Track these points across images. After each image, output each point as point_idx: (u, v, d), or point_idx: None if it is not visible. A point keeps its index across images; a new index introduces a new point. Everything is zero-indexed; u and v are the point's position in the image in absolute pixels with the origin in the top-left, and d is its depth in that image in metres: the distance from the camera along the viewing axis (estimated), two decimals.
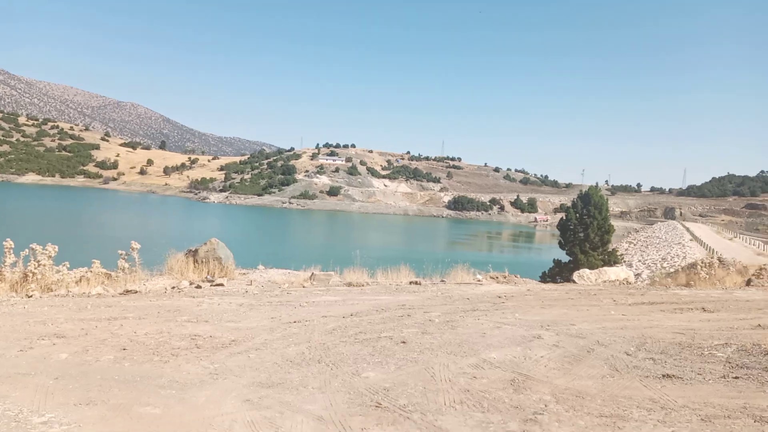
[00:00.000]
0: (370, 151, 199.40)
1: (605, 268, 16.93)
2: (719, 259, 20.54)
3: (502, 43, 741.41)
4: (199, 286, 10.89)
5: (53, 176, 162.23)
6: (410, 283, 12.85)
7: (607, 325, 8.04)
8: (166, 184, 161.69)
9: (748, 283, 16.02)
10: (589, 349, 6.55)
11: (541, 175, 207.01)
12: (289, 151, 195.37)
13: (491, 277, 14.22)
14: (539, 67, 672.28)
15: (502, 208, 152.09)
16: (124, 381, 5.01)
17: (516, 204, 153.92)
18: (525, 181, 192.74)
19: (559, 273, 24.17)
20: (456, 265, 14.43)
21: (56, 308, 8.24)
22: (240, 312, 8.37)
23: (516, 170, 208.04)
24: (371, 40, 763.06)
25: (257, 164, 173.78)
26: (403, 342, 6.62)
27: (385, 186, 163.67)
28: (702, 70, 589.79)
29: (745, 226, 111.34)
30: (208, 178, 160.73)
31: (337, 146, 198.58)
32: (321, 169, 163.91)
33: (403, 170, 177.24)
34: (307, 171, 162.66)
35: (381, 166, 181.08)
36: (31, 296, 9.29)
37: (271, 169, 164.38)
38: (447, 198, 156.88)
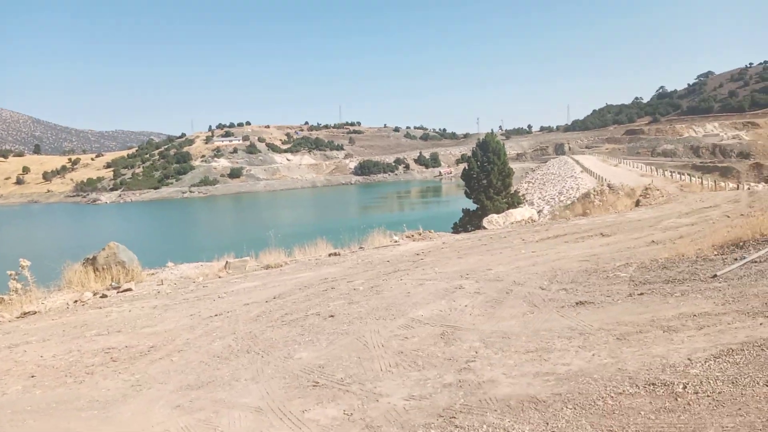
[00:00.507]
0: (267, 127, 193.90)
1: (511, 210, 17.79)
2: (609, 186, 22.26)
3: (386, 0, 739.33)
4: (104, 296, 10.16)
5: None
6: (330, 255, 12.78)
7: (521, 264, 8.46)
8: (48, 191, 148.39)
9: (637, 204, 17.52)
10: (508, 290, 6.87)
11: (440, 129, 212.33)
12: (180, 137, 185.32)
13: (407, 236, 14.47)
14: (426, 18, 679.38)
15: (407, 167, 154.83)
16: (39, 410, 4.60)
17: (420, 161, 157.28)
18: (425, 137, 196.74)
19: (469, 221, 25.13)
20: (372, 230, 14.52)
21: None
22: (155, 315, 7.92)
23: (415, 127, 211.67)
24: (253, 8, 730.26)
25: (148, 156, 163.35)
26: (332, 316, 6.58)
27: (288, 160, 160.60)
28: (575, 4, 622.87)
29: (627, 151, 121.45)
30: (95, 177, 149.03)
31: (232, 126, 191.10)
32: (218, 152, 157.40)
33: (304, 142, 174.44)
34: (203, 156, 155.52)
35: (281, 140, 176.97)
36: None
37: (164, 159, 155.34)
38: (353, 164, 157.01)
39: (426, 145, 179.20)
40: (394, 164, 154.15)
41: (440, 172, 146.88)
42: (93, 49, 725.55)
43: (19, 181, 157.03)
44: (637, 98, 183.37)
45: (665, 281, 6.31)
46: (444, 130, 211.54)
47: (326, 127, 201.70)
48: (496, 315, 5.89)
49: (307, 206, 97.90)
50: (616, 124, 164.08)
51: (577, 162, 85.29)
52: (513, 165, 33.33)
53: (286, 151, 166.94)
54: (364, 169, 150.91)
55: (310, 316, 6.73)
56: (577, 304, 5.87)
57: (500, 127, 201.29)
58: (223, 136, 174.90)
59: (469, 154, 30.87)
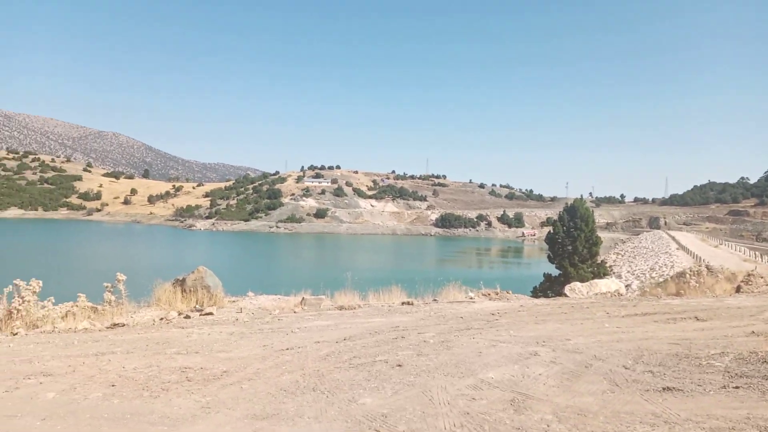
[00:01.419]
0: (356, 172, 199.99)
1: (596, 280, 16.97)
2: (707, 267, 20.70)
3: (484, 56, 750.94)
4: (188, 317, 10.68)
5: (36, 209, 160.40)
6: (402, 303, 12.74)
7: (603, 339, 7.99)
8: (150, 213, 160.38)
9: (738, 289, 16.12)
10: (587, 364, 6.49)
11: (526, 190, 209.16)
12: (274, 174, 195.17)
13: (483, 294, 14.16)
14: (520, 79, 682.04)
15: (489, 224, 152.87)
16: (114, 419, 4.84)
17: (503, 219, 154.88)
18: (510, 196, 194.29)
19: (549, 287, 24.21)
20: (447, 284, 14.35)
21: (42, 345, 8.00)
22: (231, 341, 8.19)
23: (501, 185, 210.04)
24: (352, 59, 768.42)
25: (242, 189, 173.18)
26: (399, 365, 6.50)
27: (372, 206, 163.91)
28: (681, 74, 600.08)
29: (730, 232, 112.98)
30: (193, 205, 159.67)
31: (323, 168, 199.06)
32: (307, 192, 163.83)
33: (389, 190, 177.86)
34: (293, 194, 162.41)
35: (367, 186, 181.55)
36: (16, 334, 9.03)
37: (256, 194, 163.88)
38: (434, 216, 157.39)
39: (510, 204, 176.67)
40: (476, 220, 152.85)
41: (523, 233, 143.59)
42: (207, 85, 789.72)
43: (126, 202, 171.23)
44: (743, 178, 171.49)
45: (764, 377, 5.71)
46: (530, 191, 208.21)
47: (412, 177, 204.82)
48: (572, 389, 5.57)
49: (386, 252, 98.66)
50: (719, 203, 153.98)
51: (673, 238, 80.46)
52: (602, 234, 32.01)
53: (371, 197, 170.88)
54: (445, 221, 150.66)
55: (377, 362, 6.69)
56: (663, 389, 5.43)
57: (590, 193, 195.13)
58: (313, 177, 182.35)
59: (555, 217, 30.05)
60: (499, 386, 5.66)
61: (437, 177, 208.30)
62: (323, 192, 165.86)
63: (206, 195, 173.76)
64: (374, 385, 5.74)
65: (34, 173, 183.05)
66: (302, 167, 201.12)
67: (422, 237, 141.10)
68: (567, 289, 15.43)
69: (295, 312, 11.51)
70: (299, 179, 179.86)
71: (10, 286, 10.01)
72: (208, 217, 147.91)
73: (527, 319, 10.16)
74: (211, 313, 10.85)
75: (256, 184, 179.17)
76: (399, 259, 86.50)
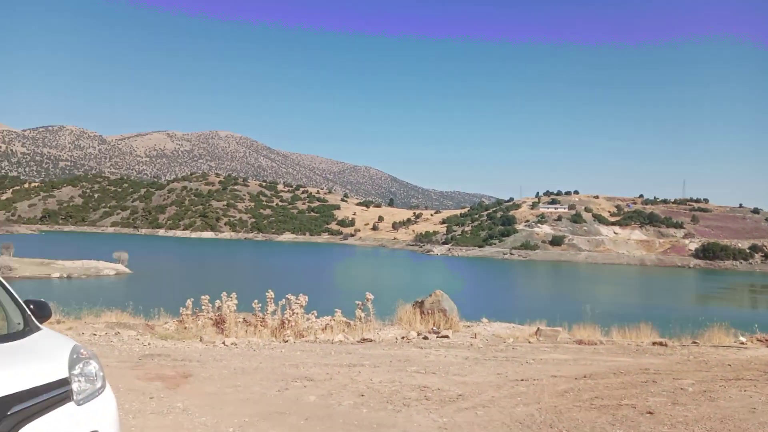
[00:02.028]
0: (596, 197, 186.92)
1: None
2: None
3: (744, 60, 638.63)
4: (425, 337, 11.26)
5: (304, 234, 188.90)
6: (653, 344, 11.40)
7: None
8: (394, 239, 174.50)
9: None
10: None
11: None
12: (507, 201, 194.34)
13: (759, 340, 11.85)
14: None
15: (766, 255, 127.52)
16: (362, 426, 5.33)
17: None
18: None
19: None
20: (711, 324, 12.40)
21: (306, 353, 9.29)
22: (465, 365, 8.37)
23: None
24: (588, 80, 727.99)
25: (477, 216, 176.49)
26: (650, 412, 5.83)
27: (615, 234, 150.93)
28: None
29: None
30: (431, 231, 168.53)
31: (559, 194, 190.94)
32: (542, 218, 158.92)
33: (635, 215, 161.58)
34: (527, 221, 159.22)
35: (609, 212, 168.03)
36: (287, 341, 10.68)
37: (490, 221, 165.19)
38: (693, 245, 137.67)
39: None
40: (748, 251, 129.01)
41: None
42: (442, 117, 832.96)
43: (374, 228, 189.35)
44: None
45: None
46: None
47: (664, 201, 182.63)
48: None
49: (632, 285, 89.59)
50: None
51: None
52: None
53: (613, 223, 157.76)
54: (707, 252, 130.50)
55: (623, 406, 6.10)
56: None
57: None
58: (549, 203, 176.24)
59: None
60: None
61: (696, 201, 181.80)
62: (559, 218, 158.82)
63: (443, 222, 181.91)
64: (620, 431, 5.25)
65: (304, 203, 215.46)
66: (537, 193, 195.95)
67: (677, 269, 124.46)
68: None
69: (529, 342, 11.22)
70: (534, 205, 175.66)
71: (284, 300, 11.92)
72: (444, 243, 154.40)
73: None
74: (447, 336, 11.25)
75: (490, 210, 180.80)
76: (648, 293, 77.58)
